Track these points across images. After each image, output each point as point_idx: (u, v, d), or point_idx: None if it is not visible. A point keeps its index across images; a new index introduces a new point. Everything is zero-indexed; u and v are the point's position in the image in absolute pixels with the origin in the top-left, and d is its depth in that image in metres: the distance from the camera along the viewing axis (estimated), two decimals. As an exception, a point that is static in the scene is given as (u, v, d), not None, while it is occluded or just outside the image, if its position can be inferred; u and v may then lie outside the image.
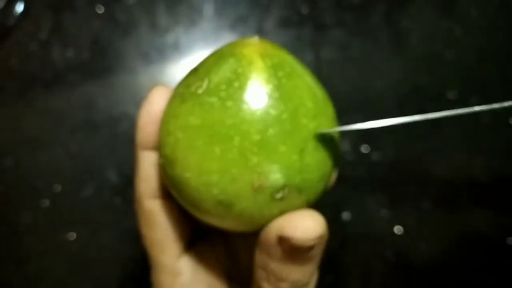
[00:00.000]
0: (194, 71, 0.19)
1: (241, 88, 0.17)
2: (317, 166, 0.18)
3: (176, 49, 0.42)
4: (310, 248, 0.17)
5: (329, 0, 0.44)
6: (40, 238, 0.37)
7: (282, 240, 0.17)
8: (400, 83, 0.43)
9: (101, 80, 0.41)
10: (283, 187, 0.17)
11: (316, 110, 0.18)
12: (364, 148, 0.40)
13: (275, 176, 0.17)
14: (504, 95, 0.42)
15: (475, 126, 0.42)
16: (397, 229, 0.39)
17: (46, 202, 0.38)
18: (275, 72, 0.17)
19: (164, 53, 0.42)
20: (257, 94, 0.17)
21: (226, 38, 0.43)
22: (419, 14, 0.44)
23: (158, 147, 0.19)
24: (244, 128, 0.17)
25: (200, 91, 0.17)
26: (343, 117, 0.41)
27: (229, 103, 0.17)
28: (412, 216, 0.39)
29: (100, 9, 0.42)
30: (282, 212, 0.18)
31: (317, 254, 0.18)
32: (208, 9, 0.43)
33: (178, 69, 0.42)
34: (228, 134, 0.17)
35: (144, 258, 0.36)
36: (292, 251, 0.17)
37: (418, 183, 0.40)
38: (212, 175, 0.17)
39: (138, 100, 0.40)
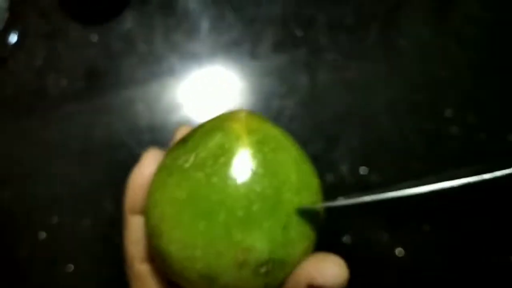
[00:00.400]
0: (183, 143, 0.19)
1: (227, 164, 0.17)
2: (300, 239, 0.18)
3: (171, 75, 0.42)
4: None
5: (323, 22, 0.44)
6: (37, 271, 0.37)
7: None
8: (396, 103, 0.43)
9: (97, 108, 0.41)
10: (267, 262, 0.17)
11: (300, 185, 0.18)
12: (363, 170, 0.40)
13: (259, 251, 0.17)
14: (501, 112, 0.42)
15: (473, 141, 0.42)
16: (398, 252, 0.38)
17: (43, 234, 0.37)
18: (260, 148, 0.18)
19: (159, 79, 0.42)
20: (242, 171, 0.17)
21: (220, 62, 0.43)
22: (413, 32, 0.45)
23: (145, 215, 0.20)
24: (228, 204, 0.17)
25: (187, 165, 0.18)
26: (339, 139, 0.41)
27: (214, 179, 0.17)
28: (413, 237, 0.39)
29: (94, 38, 0.42)
30: (266, 285, 0.18)
31: None
32: (202, 34, 0.43)
33: (174, 95, 0.42)
34: (213, 210, 0.17)
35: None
36: None
37: (419, 203, 0.40)
38: (196, 250, 0.17)
39: (134, 128, 0.40)
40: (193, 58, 0.43)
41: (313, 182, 0.20)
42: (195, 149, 0.18)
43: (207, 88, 0.42)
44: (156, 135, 0.40)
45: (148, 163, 0.21)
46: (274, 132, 0.19)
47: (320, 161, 0.40)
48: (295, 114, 0.41)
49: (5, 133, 0.40)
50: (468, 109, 0.42)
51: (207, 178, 0.17)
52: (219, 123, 0.19)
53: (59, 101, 0.41)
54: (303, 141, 0.40)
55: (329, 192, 0.39)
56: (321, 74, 0.43)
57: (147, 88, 0.41)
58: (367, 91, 0.43)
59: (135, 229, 0.21)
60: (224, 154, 0.18)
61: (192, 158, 0.18)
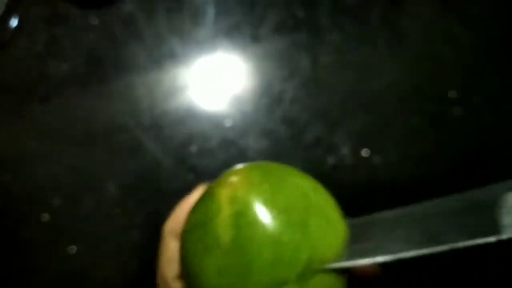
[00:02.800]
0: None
1: (206, 234, 0.19)
2: None
3: (172, 59, 0.42)
4: None
5: (325, 3, 0.44)
6: (40, 253, 0.37)
7: None
8: (400, 84, 0.42)
9: (98, 92, 0.41)
10: None
11: (273, 259, 0.18)
12: (364, 152, 0.40)
13: None
14: (505, 92, 0.42)
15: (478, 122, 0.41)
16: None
17: (45, 217, 0.38)
18: (236, 222, 0.19)
19: (160, 63, 0.42)
20: (214, 245, 0.19)
21: (222, 45, 0.42)
22: (416, 12, 0.44)
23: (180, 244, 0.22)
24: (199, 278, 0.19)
25: (185, 228, 0.21)
26: (341, 121, 0.41)
27: (198, 247, 0.19)
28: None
29: (95, 21, 0.42)
30: None
31: None
32: (203, 18, 0.43)
33: (175, 79, 0.41)
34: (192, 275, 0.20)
35: (144, 270, 0.36)
36: None
37: (421, 183, 0.40)
38: None
39: (135, 112, 0.40)
40: (195, 41, 0.42)
41: (289, 253, 0.19)
42: (192, 212, 0.21)
43: (209, 71, 0.42)
44: (158, 119, 0.40)
45: (196, 195, 0.24)
46: (263, 197, 0.19)
47: (321, 144, 0.40)
48: (296, 96, 0.41)
49: (6, 118, 0.40)
50: (472, 89, 0.42)
51: (193, 246, 0.20)
52: (215, 186, 0.21)
53: (61, 86, 0.41)
54: (305, 123, 0.40)
55: (330, 174, 0.39)
56: (322, 56, 0.42)
57: (147, 71, 0.41)
58: (369, 72, 0.42)
59: (172, 250, 0.23)
60: (207, 224, 0.19)
61: (189, 223, 0.21)
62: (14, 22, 0.41)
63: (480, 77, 0.42)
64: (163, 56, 0.42)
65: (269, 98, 0.41)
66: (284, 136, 0.40)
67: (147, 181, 0.39)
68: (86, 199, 0.38)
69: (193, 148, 0.40)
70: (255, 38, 0.42)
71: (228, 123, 0.40)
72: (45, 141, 0.40)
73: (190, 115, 0.40)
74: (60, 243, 0.37)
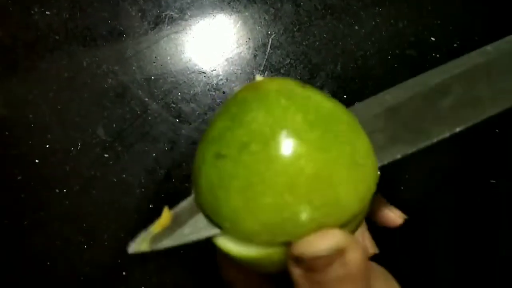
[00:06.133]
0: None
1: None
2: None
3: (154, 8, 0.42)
4: (325, 265, 0.17)
5: None
6: (33, 194, 0.39)
7: (298, 261, 0.18)
8: (381, 30, 0.43)
9: (84, 40, 0.41)
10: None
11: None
12: (345, 97, 0.41)
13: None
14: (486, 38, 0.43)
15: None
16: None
17: (36, 160, 0.39)
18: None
19: (143, 11, 0.42)
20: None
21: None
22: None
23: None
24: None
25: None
26: (322, 66, 0.42)
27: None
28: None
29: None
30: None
31: (339, 273, 0.18)
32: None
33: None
34: None
35: (135, 208, 0.38)
36: (308, 270, 0.18)
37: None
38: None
39: (121, 60, 0.41)
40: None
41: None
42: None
43: (193, 21, 0.42)
44: (144, 71, 0.41)
45: None
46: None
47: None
48: (279, 42, 0.42)
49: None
50: (453, 35, 0.43)
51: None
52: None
53: (47, 33, 0.41)
54: (287, 69, 0.41)
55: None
56: (305, 1, 0.42)
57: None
58: (352, 18, 0.43)
59: None
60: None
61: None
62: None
63: (462, 22, 0.43)
64: (147, 6, 0.42)
65: (253, 44, 0.42)
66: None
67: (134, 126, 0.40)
68: (75, 142, 0.39)
69: (179, 94, 0.41)
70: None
71: (212, 70, 0.41)
72: (33, 90, 0.40)
73: (174, 63, 0.41)
74: (50, 185, 0.39)
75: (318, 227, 0.17)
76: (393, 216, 0.24)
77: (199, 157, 0.19)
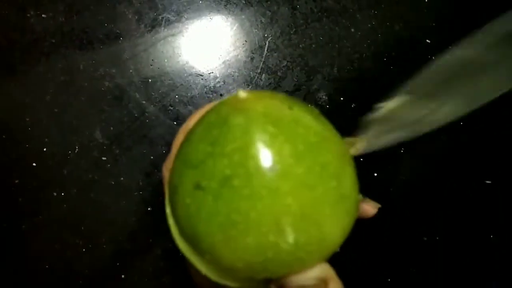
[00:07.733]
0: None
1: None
2: None
3: (152, 10, 0.42)
4: None
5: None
6: (31, 197, 0.39)
7: None
8: (378, 33, 0.43)
9: (80, 43, 0.41)
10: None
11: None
12: (342, 99, 0.41)
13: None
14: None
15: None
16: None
17: (33, 164, 0.39)
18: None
19: (140, 14, 0.42)
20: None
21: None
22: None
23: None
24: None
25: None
26: (319, 71, 0.42)
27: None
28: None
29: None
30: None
31: None
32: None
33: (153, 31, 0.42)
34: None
35: (132, 209, 0.38)
36: None
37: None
38: None
39: (118, 62, 0.41)
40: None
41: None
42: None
43: (190, 22, 0.42)
44: (142, 72, 0.41)
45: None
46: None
47: (300, 90, 0.41)
48: (275, 44, 0.42)
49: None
50: (448, 38, 0.43)
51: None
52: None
53: (43, 36, 0.41)
54: (283, 71, 0.41)
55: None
56: (302, 4, 0.43)
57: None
58: (348, 21, 0.43)
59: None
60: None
61: None
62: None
63: (457, 22, 0.43)
64: (143, 9, 0.42)
65: (249, 47, 0.42)
66: (264, 83, 0.41)
67: (131, 129, 0.40)
68: (73, 146, 0.39)
69: (176, 96, 0.41)
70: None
71: (209, 72, 0.41)
72: (30, 90, 0.40)
73: (171, 65, 0.41)
74: (48, 188, 0.39)
75: (302, 264, 0.17)
76: (367, 207, 0.23)
77: (175, 175, 0.18)
